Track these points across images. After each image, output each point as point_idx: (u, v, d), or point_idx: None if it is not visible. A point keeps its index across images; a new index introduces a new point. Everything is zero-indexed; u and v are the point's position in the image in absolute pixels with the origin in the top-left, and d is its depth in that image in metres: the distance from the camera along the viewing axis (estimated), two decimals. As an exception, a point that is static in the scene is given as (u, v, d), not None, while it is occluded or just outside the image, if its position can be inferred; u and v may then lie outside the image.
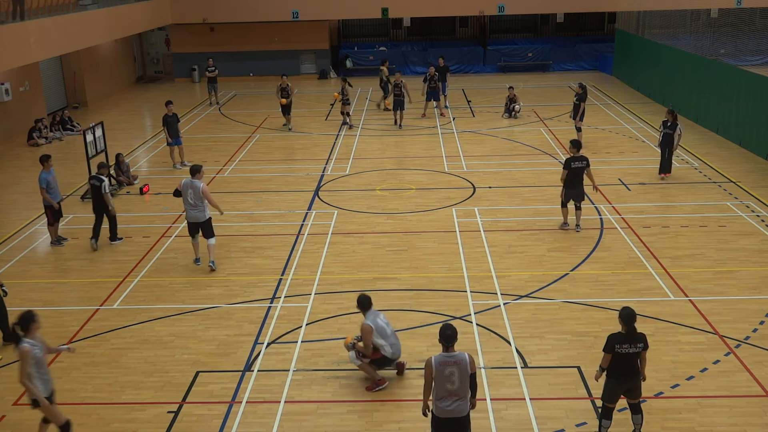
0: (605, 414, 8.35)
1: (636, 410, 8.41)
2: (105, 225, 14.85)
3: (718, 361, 10.07)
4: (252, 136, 23.81)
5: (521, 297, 12.08)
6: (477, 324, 11.20)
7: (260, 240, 14.92)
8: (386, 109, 26.34)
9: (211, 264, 13.34)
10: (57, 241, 15.00)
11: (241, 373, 10.13)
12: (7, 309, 11.03)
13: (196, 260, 13.73)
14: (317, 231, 15.27)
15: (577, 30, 38.80)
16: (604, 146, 21.28)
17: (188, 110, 28.41)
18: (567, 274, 12.92)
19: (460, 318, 11.40)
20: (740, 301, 11.77)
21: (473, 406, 7.72)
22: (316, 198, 17.40)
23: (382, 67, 27.55)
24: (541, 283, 12.55)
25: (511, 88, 25.96)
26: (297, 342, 10.88)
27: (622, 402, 8.41)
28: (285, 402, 9.44)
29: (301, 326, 11.32)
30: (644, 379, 8.31)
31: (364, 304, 9.60)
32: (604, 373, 8.25)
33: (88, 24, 25.35)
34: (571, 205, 14.65)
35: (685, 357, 10.19)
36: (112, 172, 18.06)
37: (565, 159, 14.37)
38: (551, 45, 36.52)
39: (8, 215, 17.03)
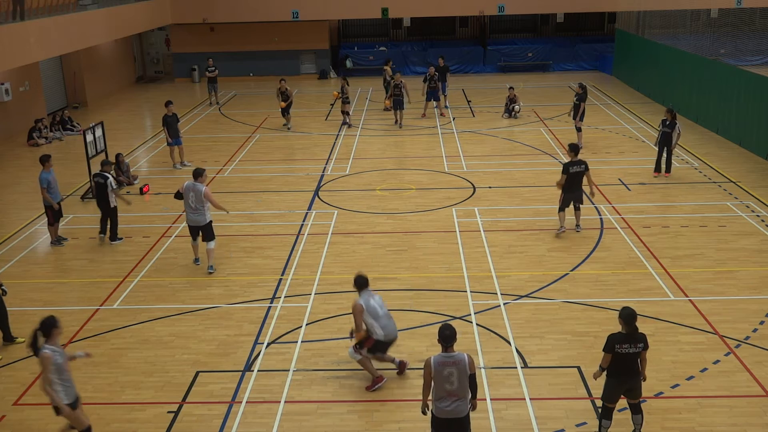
0: (605, 414, 8.35)
1: (636, 410, 8.41)
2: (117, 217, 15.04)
3: (718, 361, 10.07)
4: (252, 136, 23.82)
5: (521, 297, 12.08)
6: (477, 324, 11.20)
7: (260, 240, 14.92)
8: (386, 109, 26.34)
9: (210, 270, 13.32)
10: (57, 241, 15.00)
11: (241, 373, 10.13)
12: (8, 309, 11.04)
13: (196, 260, 13.74)
14: (317, 231, 15.27)
15: (577, 30, 38.80)
16: (604, 146, 21.28)
17: (188, 110, 28.41)
18: (567, 274, 12.92)
19: (460, 318, 11.40)
20: (740, 301, 11.77)
21: (474, 407, 7.72)
22: (316, 198, 17.40)
23: (385, 67, 27.60)
24: (541, 283, 12.55)
25: (511, 88, 25.96)
26: (297, 342, 10.88)
27: (622, 402, 8.41)
28: (285, 402, 9.44)
29: (301, 326, 11.32)
30: (644, 379, 8.31)
31: (360, 283, 9.61)
32: (604, 373, 8.25)
33: (88, 24, 25.35)
34: (569, 207, 14.60)
35: (685, 357, 10.19)
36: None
37: (563, 164, 14.30)
38: (551, 45, 36.52)
39: (8, 215, 17.03)
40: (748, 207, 15.93)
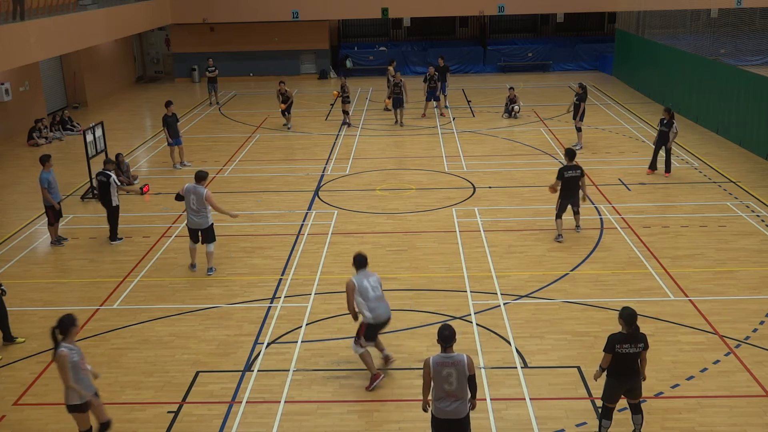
0: (605, 414, 8.35)
1: (636, 410, 8.41)
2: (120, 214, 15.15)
3: (718, 361, 10.07)
4: (252, 136, 23.82)
5: (521, 297, 12.08)
6: (477, 324, 11.20)
7: (260, 240, 14.92)
8: (387, 109, 26.34)
9: (209, 272, 13.28)
10: (57, 241, 15.00)
11: (241, 373, 10.13)
12: (8, 309, 11.04)
13: (192, 266, 13.47)
14: (317, 231, 15.27)
15: (577, 30, 38.80)
16: (604, 146, 21.28)
17: (188, 110, 28.41)
18: (567, 274, 12.92)
19: (460, 318, 11.40)
20: (740, 301, 11.77)
21: (473, 406, 7.71)
22: (316, 198, 17.40)
23: (389, 67, 27.63)
24: (541, 283, 12.55)
25: (511, 88, 25.95)
26: (297, 342, 10.88)
27: (622, 402, 8.41)
28: (285, 402, 9.44)
29: (301, 326, 11.32)
30: (644, 379, 8.31)
31: (358, 261, 9.64)
32: (604, 373, 8.25)
33: (88, 24, 25.35)
34: (566, 213, 14.50)
35: (685, 357, 10.19)
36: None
37: (558, 169, 14.23)
38: (551, 45, 36.53)
39: (8, 215, 17.03)
40: (748, 207, 15.93)
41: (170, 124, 19.84)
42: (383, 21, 37.97)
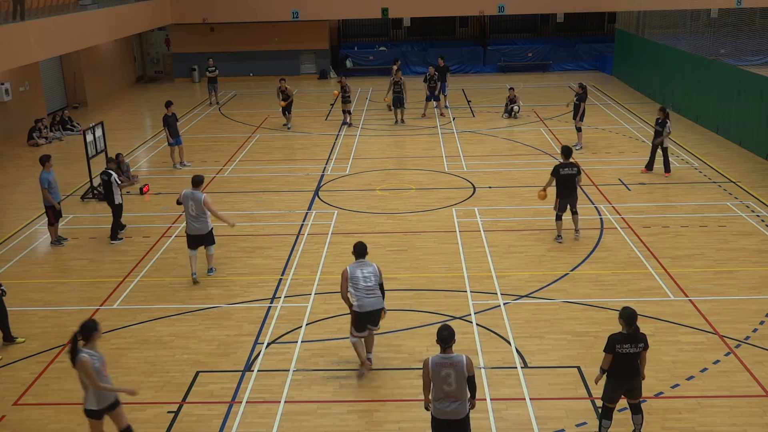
0: (605, 414, 8.35)
1: (636, 410, 8.41)
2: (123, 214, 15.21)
3: (718, 361, 10.07)
4: (252, 136, 23.81)
5: (521, 297, 12.08)
6: (477, 324, 11.20)
7: (260, 240, 14.92)
8: (390, 108, 26.31)
9: (209, 272, 13.23)
10: (57, 241, 15.00)
11: (241, 373, 10.13)
12: (8, 309, 11.03)
13: (193, 274, 12.97)
14: (317, 231, 15.27)
15: (577, 30, 38.79)
16: (604, 146, 21.28)
17: (188, 110, 28.41)
18: (567, 274, 12.92)
19: (460, 318, 11.40)
20: (740, 301, 11.77)
21: (473, 406, 7.71)
22: (316, 198, 17.40)
23: (394, 67, 27.62)
24: (541, 283, 12.55)
25: (511, 89, 25.95)
26: (297, 342, 10.88)
27: (622, 402, 8.41)
28: (285, 402, 9.44)
29: (301, 326, 11.32)
30: (643, 378, 8.30)
31: (357, 250, 9.74)
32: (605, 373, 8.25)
33: (88, 24, 25.35)
34: (566, 215, 14.46)
35: (685, 357, 10.19)
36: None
37: (553, 166, 14.18)
38: (551, 45, 36.52)
39: (8, 215, 17.03)
40: (748, 207, 15.93)
41: (170, 124, 19.84)
42: (383, 21, 37.97)
